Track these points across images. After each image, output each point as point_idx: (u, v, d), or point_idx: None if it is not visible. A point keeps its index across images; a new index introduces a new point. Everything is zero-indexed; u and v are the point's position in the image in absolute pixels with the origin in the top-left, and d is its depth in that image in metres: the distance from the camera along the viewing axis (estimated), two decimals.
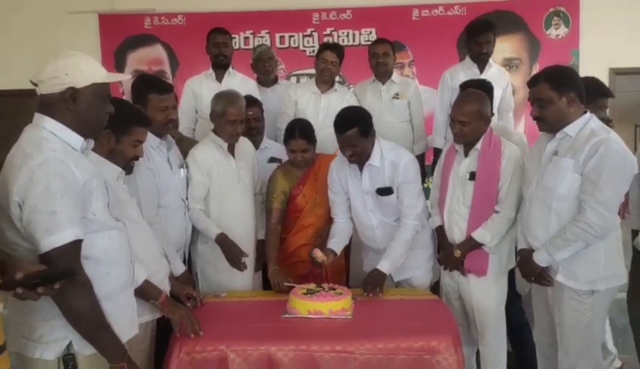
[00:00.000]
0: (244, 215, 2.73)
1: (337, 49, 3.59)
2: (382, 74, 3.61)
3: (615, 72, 5.44)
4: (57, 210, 1.43)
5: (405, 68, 6.18)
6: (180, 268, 2.42)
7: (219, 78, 3.55)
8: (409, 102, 3.61)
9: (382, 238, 2.60)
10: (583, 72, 3.89)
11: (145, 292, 1.93)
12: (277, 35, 6.15)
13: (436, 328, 2.07)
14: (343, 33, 6.15)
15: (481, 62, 3.50)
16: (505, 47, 5.66)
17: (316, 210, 2.77)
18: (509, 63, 5.66)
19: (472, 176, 2.41)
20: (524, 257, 2.27)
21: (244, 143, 2.85)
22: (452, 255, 2.45)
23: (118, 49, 6.15)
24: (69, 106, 1.53)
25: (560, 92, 2.11)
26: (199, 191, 2.61)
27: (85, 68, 1.58)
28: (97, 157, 1.87)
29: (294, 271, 2.65)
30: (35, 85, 1.55)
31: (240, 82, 3.53)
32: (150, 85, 2.45)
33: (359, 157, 2.52)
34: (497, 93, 3.19)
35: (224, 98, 2.71)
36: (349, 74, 5.74)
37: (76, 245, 1.47)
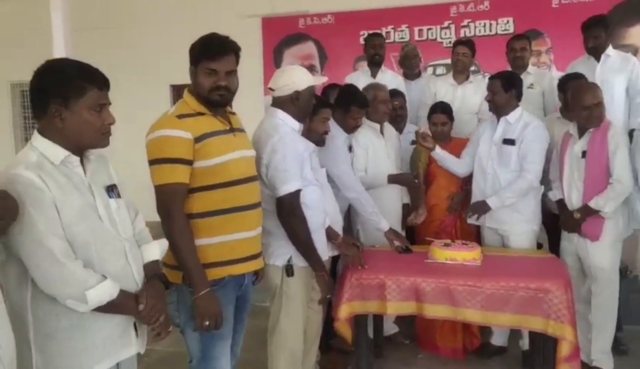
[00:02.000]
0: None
1: (469, 44, 4.12)
2: (519, 67, 3.96)
3: None
4: (288, 169, 2.26)
5: (542, 55, 6.33)
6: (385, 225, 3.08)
7: (374, 74, 4.23)
8: (543, 92, 3.96)
9: (491, 186, 3.15)
10: None
11: (328, 234, 2.70)
12: (416, 29, 6.65)
13: (550, 274, 2.60)
14: (480, 24, 6.46)
15: (594, 54, 3.69)
16: None
17: (447, 176, 3.41)
18: None
19: (584, 154, 2.85)
20: None
21: (389, 129, 3.55)
22: (572, 218, 2.88)
23: (276, 47, 7.13)
24: (294, 103, 2.36)
25: None
26: (360, 162, 3.29)
27: (303, 77, 2.39)
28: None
29: (430, 228, 3.36)
30: (272, 89, 2.40)
31: (390, 77, 4.21)
32: (354, 99, 3.08)
33: (494, 104, 3.14)
34: (620, 81, 3.53)
35: (372, 87, 3.42)
36: (485, 63, 6.09)
37: (298, 192, 2.30)
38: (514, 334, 3.25)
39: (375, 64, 4.27)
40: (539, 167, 3.07)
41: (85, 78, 1.53)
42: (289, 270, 2.38)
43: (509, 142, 3.10)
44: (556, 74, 3.94)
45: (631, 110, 3.56)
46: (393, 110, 3.63)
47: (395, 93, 3.73)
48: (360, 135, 3.33)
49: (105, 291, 1.49)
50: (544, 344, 2.63)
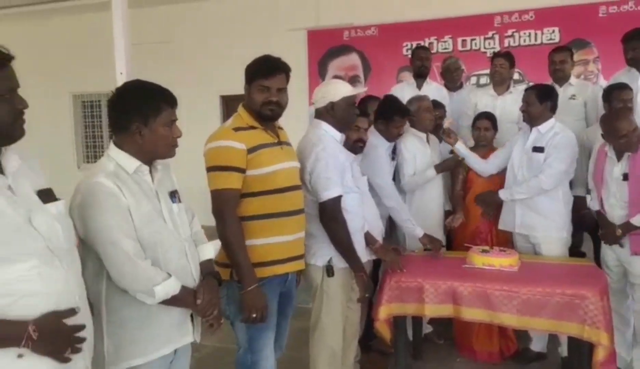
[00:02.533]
0: (436, 188, 3.52)
1: (507, 56, 4.19)
2: (559, 79, 4.01)
3: None
4: (331, 176, 2.42)
5: (589, 64, 6.28)
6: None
7: (419, 86, 4.33)
8: (585, 102, 3.97)
9: None
10: None
11: (366, 239, 2.83)
12: (459, 39, 6.72)
13: (586, 281, 2.64)
14: (525, 33, 6.47)
15: (635, 66, 3.68)
16: None
17: (483, 184, 3.49)
18: None
19: (625, 177, 2.86)
20: None
21: (433, 139, 3.67)
22: (613, 233, 2.91)
23: (321, 59, 7.34)
24: (330, 113, 2.52)
25: None
26: (410, 167, 3.43)
27: (339, 88, 2.55)
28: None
29: (465, 234, 3.47)
30: (312, 103, 2.57)
31: (435, 89, 4.31)
32: (396, 110, 3.20)
33: (528, 115, 3.23)
34: None
35: (415, 99, 3.56)
36: (530, 73, 6.10)
37: (339, 198, 2.45)
38: (553, 340, 3.29)
39: (420, 76, 4.38)
40: (555, 171, 3.11)
41: (162, 99, 1.74)
42: (329, 270, 2.53)
43: (539, 149, 3.18)
44: (603, 83, 3.92)
45: None
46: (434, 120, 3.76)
47: (436, 105, 3.85)
48: (408, 141, 3.46)
49: (170, 287, 1.68)
50: (582, 350, 2.67)
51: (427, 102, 3.53)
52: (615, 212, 2.92)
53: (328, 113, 2.55)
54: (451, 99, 4.38)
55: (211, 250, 1.94)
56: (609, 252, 3.03)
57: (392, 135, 3.24)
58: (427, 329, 3.67)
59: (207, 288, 1.81)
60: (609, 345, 2.46)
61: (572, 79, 4.08)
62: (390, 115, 3.19)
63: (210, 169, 2.13)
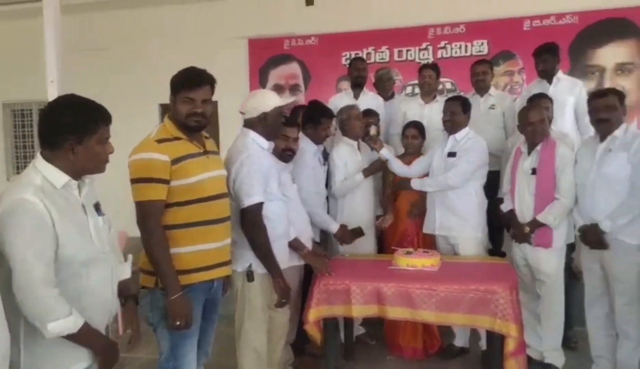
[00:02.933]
0: (366, 193, 3.67)
1: (434, 67, 4.43)
2: (481, 89, 4.32)
3: None
4: (254, 184, 2.50)
5: (515, 75, 6.66)
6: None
7: (356, 95, 4.45)
8: (503, 112, 4.27)
9: (440, 194, 3.47)
10: None
11: (294, 245, 2.92)
12: (396, 50, 6.95)
13: (498, 278, 2.85)
14: (456, 45, 6.78)
15: (546, 77, 4.01)
16: (618, 52, 5.98)
17: (410, 189, 3.64)
18: (621, 68, 5.98)
19: (534, 171, 3.11)
20: (589, 229, 2.87)
21: (365, 146, 3.81)
22: (522, 231, 3.14)
23: (262, 67, 7.40)
24: (262, 123, 2.60)
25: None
26: (340, 173, 3.56)
27: (270, 99, 2.64)
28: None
29: (394, 237, 3.68)
30: (243, 113, 2.65)
31: (371, 98, 4.47)
32: (323, 113, 3.41)
33: (452, 123, 3.45)
34: (570, 101, 3.87)
35: (345, 108, 3.72)
36: (460, 83, 6.39)
37: (260, 204, 2.53)
38: (475, 335, 3.49)
39: (358, 86, 4.51)
40: (461, 170, 3.35)
41: (98, 117, 1.72)
42: (249, 275, 2.59)
43: (452, 154, 3.43)
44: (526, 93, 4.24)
45: (580, 129, 3.87)
46: (366, 127, 3.89)
47: (370, 113, 4.02)
48: (340, 149, 3.62)
49: (67, 327, 1.62)
50: (496, 343, 2.85)
51: (357, 110, 3.68)
52: (524, 207, 3.15)
53: (260, 123, 2.63)
54: (384, 108, 4.56)
55: (128, 271, 1.97)
56: (516, 250, 3.26)
57: (320, 137, 3.38)
58: (360, 330, 3.80)
59: (133, 315, 1.88)
60: (517, 336, 2.65)
61: (492, 90, 4.38)
62: (317, 119, 3.34)
63: (134, 181, 2.15)
